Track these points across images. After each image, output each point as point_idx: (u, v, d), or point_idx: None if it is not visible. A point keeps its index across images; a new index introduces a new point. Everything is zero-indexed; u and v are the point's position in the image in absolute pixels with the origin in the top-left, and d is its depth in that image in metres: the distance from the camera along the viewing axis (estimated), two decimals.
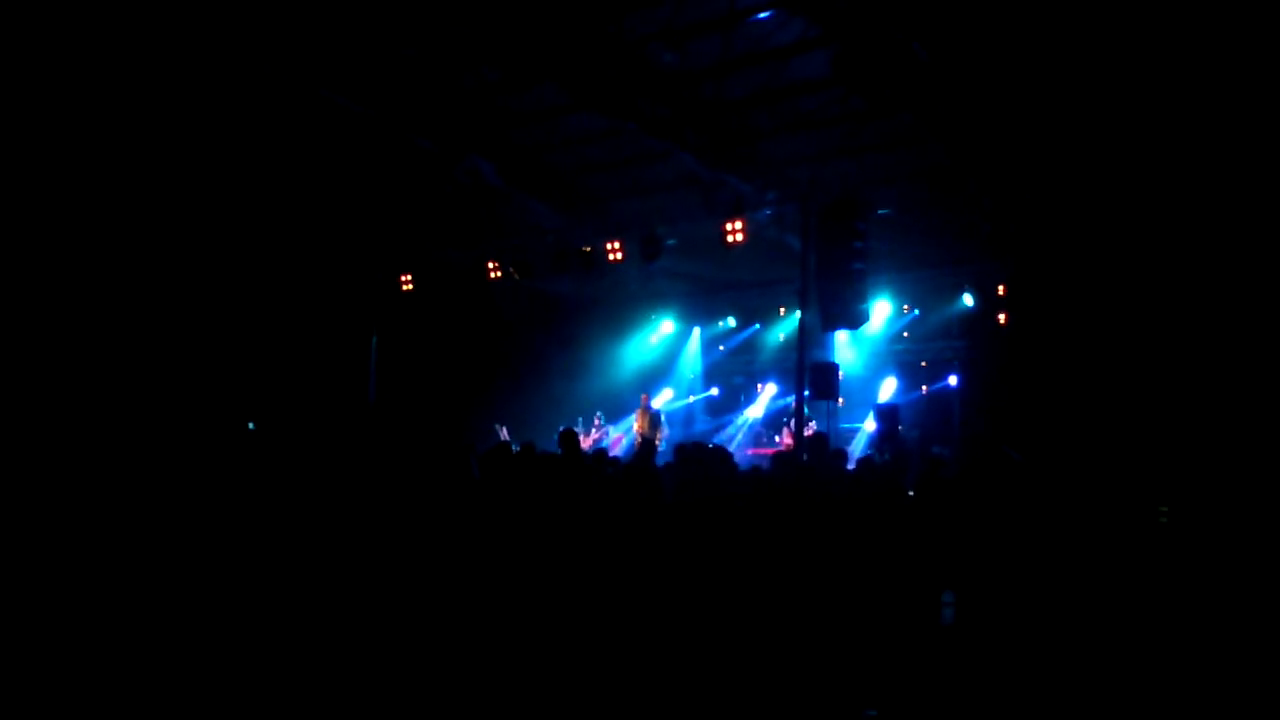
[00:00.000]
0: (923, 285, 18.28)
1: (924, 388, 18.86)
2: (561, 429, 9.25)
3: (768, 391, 20.69)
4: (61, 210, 12.83)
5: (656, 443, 15.57)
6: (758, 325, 21.46)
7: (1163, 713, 5.47)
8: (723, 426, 21.02)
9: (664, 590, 6.58)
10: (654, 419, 18.48)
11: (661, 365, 22.56)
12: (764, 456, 16.90)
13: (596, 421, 19.53)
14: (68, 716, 5.34)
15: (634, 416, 18.88)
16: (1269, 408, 9.72)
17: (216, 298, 15.20)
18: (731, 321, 21.84)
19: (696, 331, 22.35)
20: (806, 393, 14.06)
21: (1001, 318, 15.46)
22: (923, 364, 18.98)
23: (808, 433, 15.18)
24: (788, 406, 18.97)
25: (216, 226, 14.75)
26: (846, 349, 19.02)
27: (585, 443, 18.30)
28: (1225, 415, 10.01)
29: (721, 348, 22.22)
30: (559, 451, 9.21)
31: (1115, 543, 7.19)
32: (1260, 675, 5.57)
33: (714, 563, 6.44)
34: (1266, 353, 9.94)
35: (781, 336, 20.65)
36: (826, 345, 18.03)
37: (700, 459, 7.52)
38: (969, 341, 17.67)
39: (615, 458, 11.67)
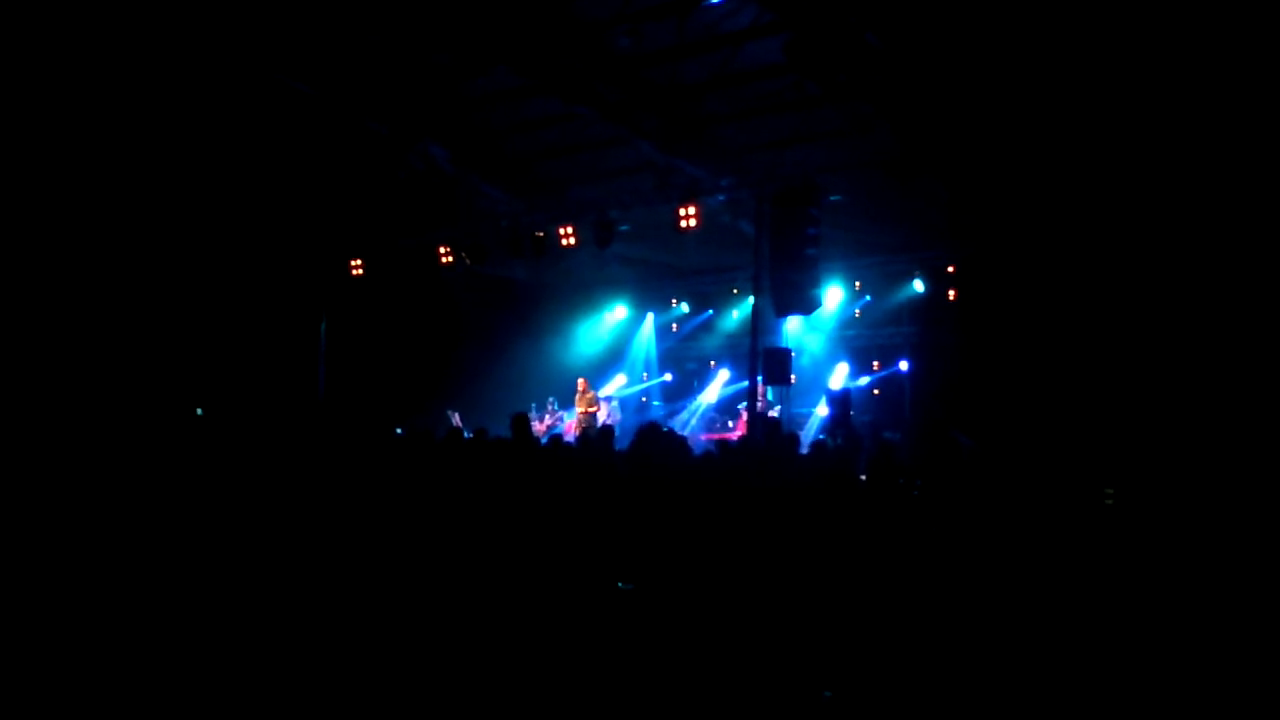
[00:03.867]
0: (875, 271, 18.46)
1: (875, 364, 19.05)
2: (514, 413, 9.20)
3: (720, 377, 20.78)
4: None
5: (605, 424, 15.64)
6: (711, 311, 21.56)
7: (1115, 694, 5.58)
8: (676, 412, 21.07)
9: (619, 573, 6.60)
10: (593, 400, 18.57)
11: (615, 350, 22.58)
12: (716, 442, 17.01)
13: (550, 407, 19.50)
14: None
15: (575, 401, 18.87)
16: (1218, 389, 9.92)
17: (164, 282, 14.96)
18: (685, 307, 21.91)
19: (650, 317, 22.38)
20: (760, 378, 14.13)
21: (951, 294, 15.67)
22: (874, 365, 19.15)
23: (770, 416, 15.32)
24: (741, 392, 19.06)
25: (164, 211, 14.50)
26: (799, 334, 19.15)
27: (539, 428, 18.29)
28: (1172, 398, 10.20)
29: (675, 327, 22.29)
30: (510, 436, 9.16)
31: (1062, 525, 7.30)
32: (1210, 657, 5.70)
33: (670, 547, 6.46)
34: (1216, 334, 10.13)
35: (735, 314, 20.75)
36: (779, 331, 18.15)
37: (656, 442, 7.55)
38: (920, 327, 17.85)
39: (569, 442, 11.67)
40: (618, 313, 22.59)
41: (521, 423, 9.20)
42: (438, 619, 6.43)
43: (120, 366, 13.99)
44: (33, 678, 5.41)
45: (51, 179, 12.99)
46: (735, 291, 20.24)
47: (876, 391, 18.95)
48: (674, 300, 21.94)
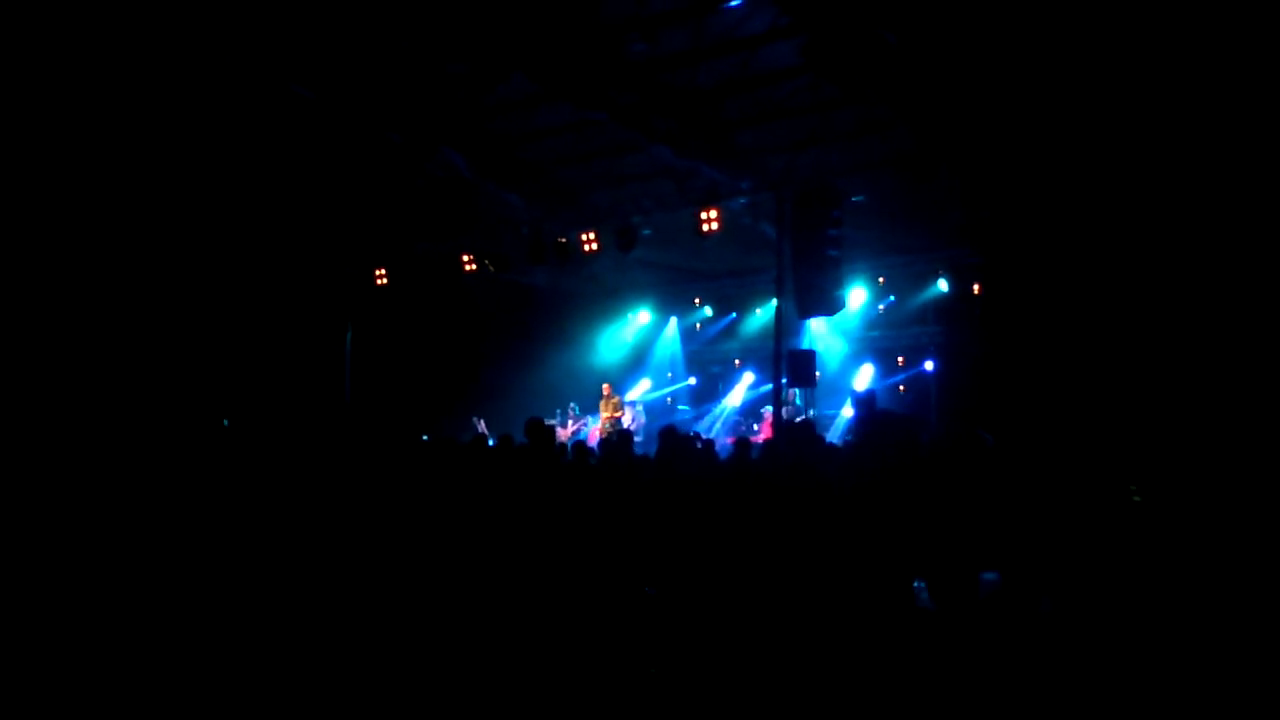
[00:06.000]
0: (898, 271, 18.40)
1: (899, 359, 19.00)
2: (529, 419, 9.16)
3: (745, 380, 20.75)
4: (26, 206, 12.71)
5: (625, 429, 15.67)
6: (734, 314, 21.54)
7: (1135, 690, 5.54)
8: (701, 416, 21.07)
9: (638, 579, 6.60)
10: (618, 405, 18.61)
11: (639, 355, 22.61)
12: (735, 442, 16.98)
13: (571, 413, 19.53)
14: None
15: (600, 406, 18.93)
16: (1239, 388, 9.82)
17: (190, 294, 15.10)
18: (708, 311, 21.91)
19: (673, 321, 22.39)
20: (784, 380, 14.10)
21: (976, 288, 15.60)
22: (899, 360, 19.11)
23: (800, 419, 15.28)
24: (766, 395, 19.02)
25: (189, 224, 14.64)
26: (823, 336, 19.13)
27: (563, 434, 18.33)
28: (1196, 395, 10.10)
29: (699, 326, 22.29)
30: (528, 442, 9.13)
31: (1089, 521, 7.24)
32: (1234, 655, 5.64)
33: (695, 551, 6.45)
34: (1244, 330, 10.03)
35: (759, 312, 20.72)
36: (803, 333, 18.12)
37: (679, 443, 7.54)
38: (945, 326, 17.77)
39: (591, 448, 11.66)
40: (641, 317, 22.61)
41: (537, 428, 9.14)
42: (462, 625, 6.46)
43: (148, 379, 14.13)
44: (62, 683, 5.48)
45: (79, 194, 13.15)
46: (758, 294, 20.23)
47: (903, 388, 18.88)
48: (697, 300, 21.95)
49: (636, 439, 14.86)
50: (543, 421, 8.86)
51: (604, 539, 6.74)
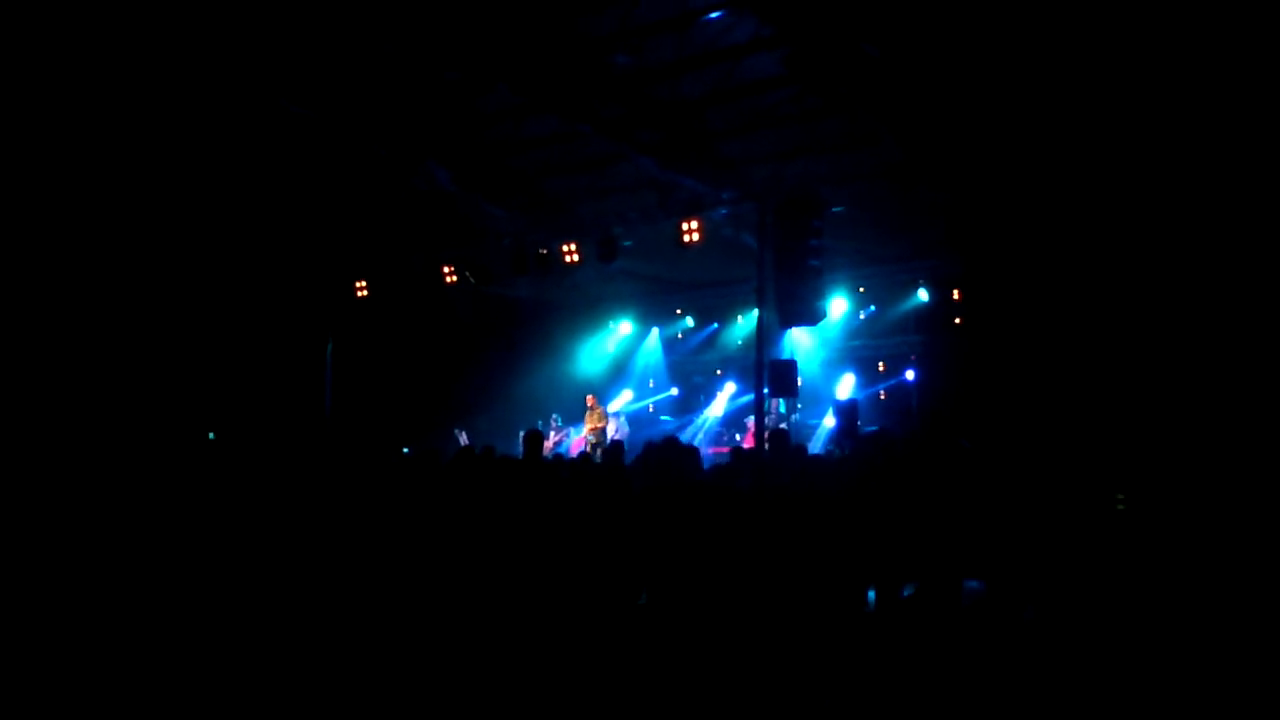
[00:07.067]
0: (879, 281, 18.49)
1: (880, 365, 19.08)
2: (526, 431, 9.18)
3: (727, 390, 20.77)
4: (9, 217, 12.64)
5: (615, 439, 15.65)
6: (716, 325, 21.59)
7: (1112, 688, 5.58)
8: (683, 426, 21.06)
9: (629, 585, 6.60)
10: (602, 415, 18.61)
11: (621, 366, 22.60)
12: (724, 455, 17.00)
13: (554, 424, 19.51)
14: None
15: (585, 418, 18.94)
16: (1223, 395, 9.91)
17: (171, 307, 15.02)
18: (690, 321, 21.95)
19: (655, 332, 22.40)
20: (766, 390, 14.12)
21: (956, 294, 15.67)
22: (880, 367, 19.20)
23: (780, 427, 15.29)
24: (747, 405, 19.04)
25: (170, 235, 14.57)
26: (805, 346, 19.19)
27: (546, 446, 18.31)
28: (1179, 402, 10.18)
29: (680, 336, 22.32)
30: (522, 453, 9.14)
31: (1073, 529, 7.29)
32: (1218, 661, 5.68)
33: (683, 560, 6.46)
34: (1223, 338, 10.12)
35: (740, 320, 20.73)
36: (784, 343, 18.15)
37: (669, 455, 7.55)
38: (926, 335, 17.84)
39: (575, 459, 11.64)
40: (623, 328, 22.62)
41: (535, 440, 9.15)
42: (451, 637, 6.44)
43: (133, 390, 14.04)
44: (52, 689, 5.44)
45: (66, 208, 13.08)
46: (740, 304, 20.25)
47: (884, 395, 18.95)
48: (679, 310, 21.99)
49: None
50: (541, 433, 8.87)
51: (599, 549, 6.73)
